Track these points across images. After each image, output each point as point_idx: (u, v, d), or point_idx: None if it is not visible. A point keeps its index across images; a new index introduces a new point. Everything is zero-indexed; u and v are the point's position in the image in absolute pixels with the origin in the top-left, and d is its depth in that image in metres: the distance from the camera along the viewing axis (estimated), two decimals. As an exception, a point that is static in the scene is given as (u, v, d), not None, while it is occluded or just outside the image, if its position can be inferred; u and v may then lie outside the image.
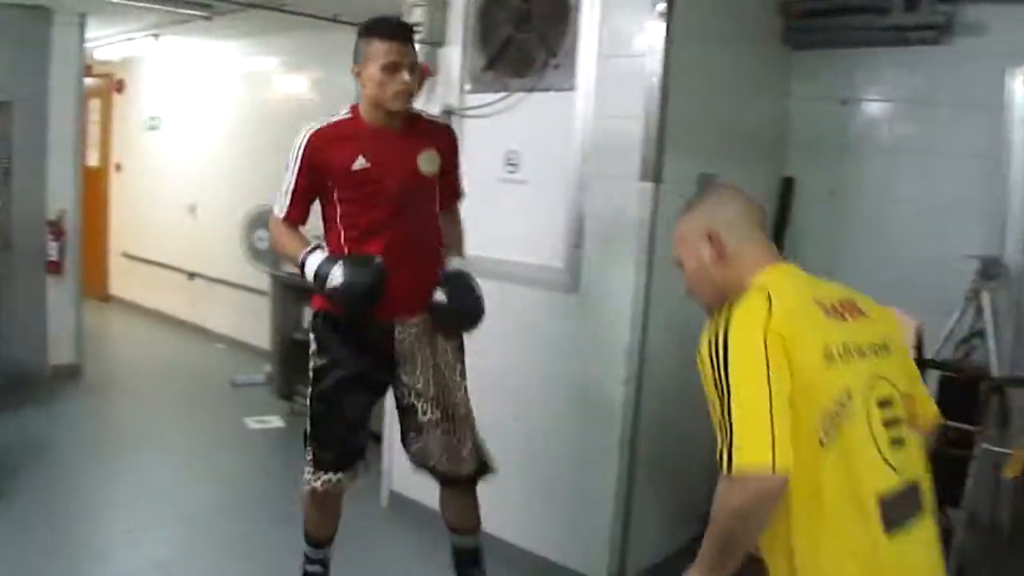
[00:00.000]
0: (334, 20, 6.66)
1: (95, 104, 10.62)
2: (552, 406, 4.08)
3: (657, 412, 3.88)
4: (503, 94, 4.15)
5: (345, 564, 3.76)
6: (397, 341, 3.28)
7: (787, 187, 4.47)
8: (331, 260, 3.11)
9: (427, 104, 4.47)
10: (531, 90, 4.05)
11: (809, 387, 1.87)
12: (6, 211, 6.62)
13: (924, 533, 1.97)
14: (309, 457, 3.34)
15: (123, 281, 10.66)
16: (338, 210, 3.22)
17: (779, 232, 4.43)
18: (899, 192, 4.36)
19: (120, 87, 10.66)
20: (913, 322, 3.50)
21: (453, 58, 4.39)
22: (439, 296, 3.22)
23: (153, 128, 10.00)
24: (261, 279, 6.83)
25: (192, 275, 9.00)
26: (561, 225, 3.92)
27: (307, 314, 6.36)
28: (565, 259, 3.93)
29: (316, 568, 3.57)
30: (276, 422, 6.07)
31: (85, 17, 7.12)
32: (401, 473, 4.77)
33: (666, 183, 3.63)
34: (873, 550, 1.86)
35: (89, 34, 7.40)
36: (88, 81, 8.27)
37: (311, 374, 3.33)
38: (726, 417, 1.88)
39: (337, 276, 3.05)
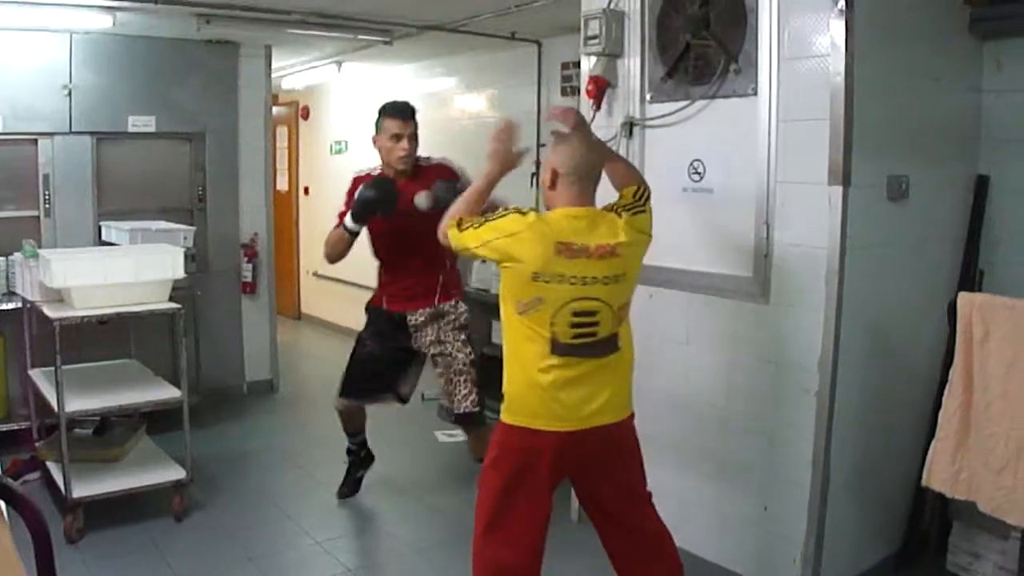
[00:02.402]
0: (511, 38, 6.75)
1: (282, 131, 11.04)
2: (741, 418, 4.00)
3: (851, 425, 3.76)
4: (685, 102, 4.11)
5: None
6: (411, 324, 4.86)
7: (981, 185, 4.28)
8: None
9: (608, 116, 4.48)
10: (713, 97, 4.00)
11: (515, 284, 3.13)
12: (203, 235, 6.93)
13: (599, 382, 3.18)
14: (339, 385, 5.08)
15: (313, 299, 10.99)
16: (371, 237, 4.85)
17: (975, 233, 4.26)
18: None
19: (306, 114, 11.01)
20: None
21: (632, 68, 4.37)
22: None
23: (339, 152, 10.29)
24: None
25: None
26: (749, 233, 3.85)
27: (495, 329, 6.47)
28: (754, 268, 3.85)
29: (352, 446, 5.34)
30: (465, 436, 6.15)
31: (270, 49, 7.42)
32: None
33: (855, 186, 3.52)
34: (546, 371, 3.11)
35: (275, 64, 7.74)
36: (275, 109, 8.58)
37: (357, 338, 5.11)
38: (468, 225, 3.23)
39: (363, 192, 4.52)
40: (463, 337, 4.89)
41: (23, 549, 1.57)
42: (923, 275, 4.10)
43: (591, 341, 3.13)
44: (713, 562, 4.16)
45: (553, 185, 3.26)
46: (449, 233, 3.27)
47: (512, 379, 3.22)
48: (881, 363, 3.91)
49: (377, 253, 4.94)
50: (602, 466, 3.28)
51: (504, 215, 3.15)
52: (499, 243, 3.11)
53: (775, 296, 3.79)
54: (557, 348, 3.09)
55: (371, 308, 5.08)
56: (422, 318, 4.85)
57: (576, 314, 3.08)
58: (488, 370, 6.43)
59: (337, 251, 4.67)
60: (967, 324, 3.44)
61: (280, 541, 4.71)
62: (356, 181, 4.79)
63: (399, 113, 4.71)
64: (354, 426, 5.26)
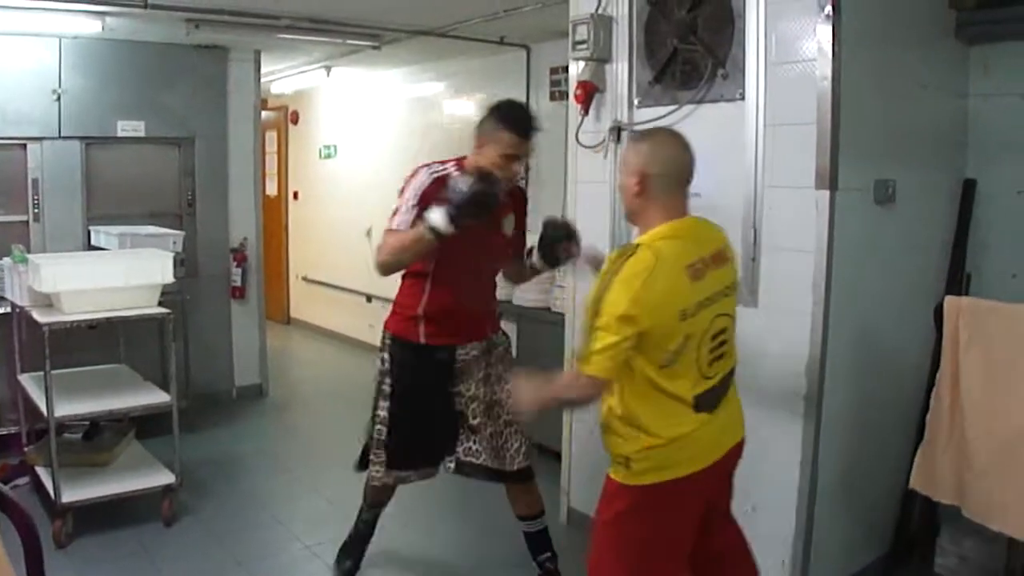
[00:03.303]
0: (500, 42, 6.76)
1: (272, 136, 11.03)
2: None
3: (839, 428, 3.78)
4: (672, 107, 4.12)
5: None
6: (459, 360, 3.90)
7: (968, 189, 4.30)
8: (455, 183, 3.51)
9: (596, 121, 4.49)
10: (700, 102, 4.01)
11: (661, 338, 2.67)
12: (192, 240, 6.92)
13: (727, 408, 2.96)
14: (382, 458, 3.94)
15: (303, 304, 10.99)
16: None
17: (962, 237, 4.28)
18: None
19: (295, 119, 11.01)
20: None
21: (620, 73, 4.39)
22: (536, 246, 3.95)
23: (328, 156, 10.30)
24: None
25: (369, 297, 9.20)
26: (736, 237, 3.84)
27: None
28: (742, 272, 3.84)
29: (369, 517, 4.32)
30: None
31: (259, 54, 7.42)
32: (579, 491, 4.80)
33: (843, 190, 3.54)
34: (690, 423, 2.79)
35: (264, 69, 7.74)
36: (264, 114, 8.57)
37: (388, 389, 3.93)
38: (588, 333, 2.68)
39: (464, 187, 3.46)
40: (511, 376, 3.85)
41: (13, 554, 1.57)
42: (911, 279, 4.13)
43: (728, 372, 2.96)
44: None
45: (642, 191, 2.84)
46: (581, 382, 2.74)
47: (646, 438, 2.77)
48: (869, 366, 3.93)
49: (426, 268, 3.78)
50: (727, 487, 3.18)
51: (616, 278, 2.65)
52: (645, 306, 2.63)
53: (763, 300, 3.80)
54: (703, 401, 2.83)
55: (400, 343, 3.94)
56: (474, 353, 3.93)
57: (714, 337, 2.84)
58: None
59: (407, 257, 3.66)
60: (953, 328, 3.47)
61: (270, 545, 4.71)
62: (438, 180, 3.69)
63: (524, 129, 3.72)
64: (385, 497, 4.27)
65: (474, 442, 3.96)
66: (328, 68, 8.66)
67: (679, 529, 2.90)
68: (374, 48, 7.01)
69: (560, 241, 3.87)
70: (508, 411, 3.90)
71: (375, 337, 9.50)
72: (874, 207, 3.81)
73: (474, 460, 3.96)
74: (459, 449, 3.97)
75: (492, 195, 3.49)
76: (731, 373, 2.99)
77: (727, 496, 3.19)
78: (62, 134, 6.41)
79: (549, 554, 4.18)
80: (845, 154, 3.53)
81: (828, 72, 3.48)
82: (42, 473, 4.95)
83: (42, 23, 5.89)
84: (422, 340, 3.87)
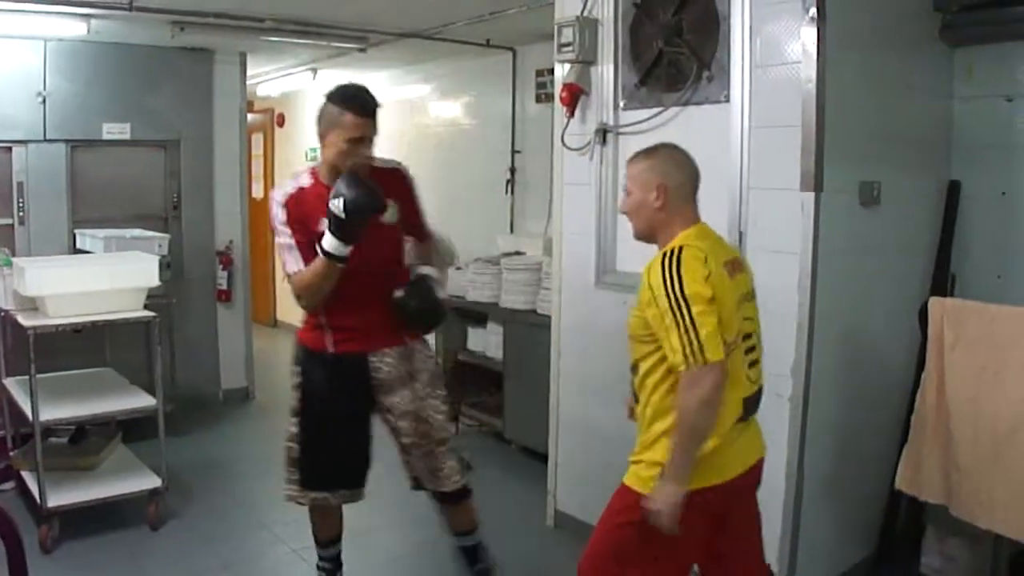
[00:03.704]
0: (486, 45, 6.77)
1: (258, 138, 11.01)
2: (716, 422, 4.00)
3: (825, 430, 3.79)
4: (658, 109, 4.13)
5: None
6: (373, 370, 3.63)
7: (953, 191, 4.32)
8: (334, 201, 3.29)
9: (582, 123, 4.50)
10: (685, 104, 4.02)
11: (724, 326, 2.63)
12: (178, 243, 6.90)
13: (755, 421, 2.97)
14: (296, 476, 3.70)
15: (289, 306, 10.91)
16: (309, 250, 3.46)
17: (947, 239, 4.30)
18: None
19: (281, 121, 10.99)
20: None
21: (605, 75, 4.40)
22: (398, 294, 3.58)
23: (314, 159, 10.16)
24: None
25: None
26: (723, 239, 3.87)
27: (471, 335, 6.45)
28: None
29: (326, 565, 4.02)
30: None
31: (245, 56, 7.41)
32: (566, 493, 4.80)
33: (828, 192, 3.55)
34: (727, 430, 2.73)
35: (250, 72, 7.74)
36: (250, 117, 8.55)
37: (297, 404, 3.69)
38: (688, 326, 2.57)
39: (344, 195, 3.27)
40: (442, 392, 3.79)
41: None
42: (896, 280, 4.14)
43: (762, 378, 2.96)
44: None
45: (664, 205, 2.82)
46: (702, 373, 2.57)
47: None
48: (855, 368, 3.94)
49: None
50: (745, 510, 3.05)
51: (682, 269, 2.63)
52: (717, 288, 2.64)
53: (749, 301, 3.80)
54: (749, 406, 2.85)
55: (309, 353, 3.68)
56: (389, 360, 3.64)
57: (745, 338, 2.81)
58: (460, 377, 6.48)
59: (323, 291, 3.43)
60: (938, 328, 3.49)
61: (256, 549, 4.71)
62: (293, 198, 3.52)
63: (363, 107, 3.51)
64: (330, 531, 3.99)
65: (407, 462, 3.79)
66: (314, 70, 8.64)
67: (690, 544, 2.80)
68: (360, 51, 7.01)
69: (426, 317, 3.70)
70: (437, 432, 3.70)
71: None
72: (859, 209, 3.82)
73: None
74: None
75: (365, 194, 3.29)
76: (761, 392, 2.95)
77: (747, 522, 3.05)
78: (47, 137, 6.39)
79: (485, 565, 3.98)
80: (830, 156, 3.55)
81: (813, 74, 3.49)
82: (28, 478, 4.92)
83: (27, 26, 5.87)
84: (330, 349, 3.61)
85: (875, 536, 4.29)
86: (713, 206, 3.84)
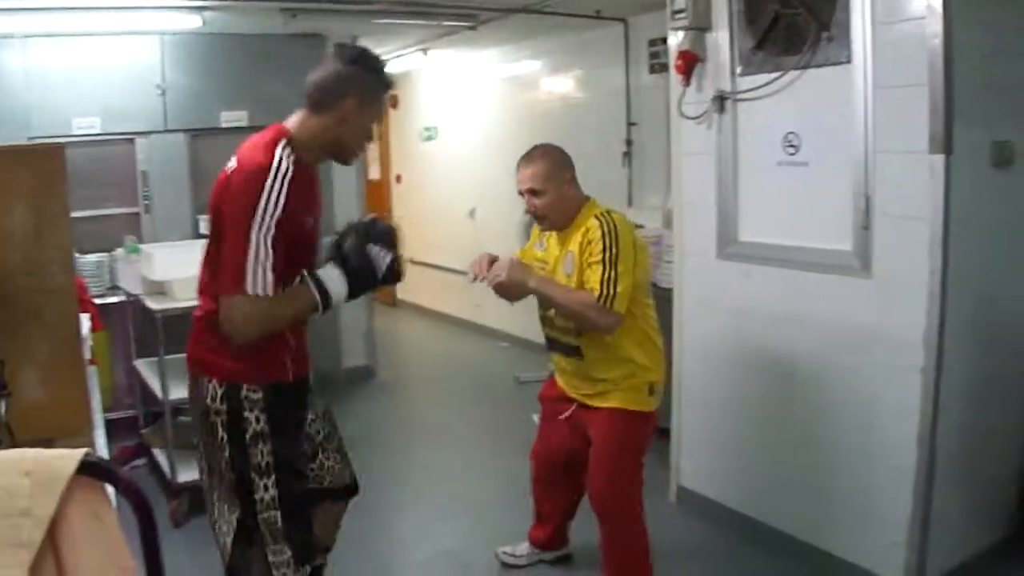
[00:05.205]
0: (597, 16, 6.68)
1: (373, 120, 11.06)
2: (841, 396, 3.89)
3: (957, 404, 3.63)
4: (776, 74, 4.00)
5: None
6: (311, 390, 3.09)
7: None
8: (338, 255, 2.88)
9: (698, 91, 4.41)
10: (805, 67, 3.88)
11: (644, 280, 3.61)
12: (298, 227, 6.95)
13: None
14: (286, 554, 2.85)
15: (409, 286, 11.03)
16: (281, 257, 2.66)
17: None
18: None
19: (395, 103, 11.05)
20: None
21: (720, 42, 4.28)
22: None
23: (429, 139, 10.33)
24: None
25: (475, 277, 9.20)
26: (847, 206, 3.73)
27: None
28: (853, 241, 3.73)
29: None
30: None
31: (356, 39, 7.40)
32: (688, 468, 4.73)
33: (958, 154, 3.38)
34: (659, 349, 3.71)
35: (360, 53, 7.70)
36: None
37: (268, 459, 2.80)
38: (611, 278, 3.37)
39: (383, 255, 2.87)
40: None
41: (129, 532, 1.58)
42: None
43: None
44: (808, 542, 4.08)
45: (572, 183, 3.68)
46: (608, 313, 3.42)
47: (656, 367, 3.66)
48: (989, 337, 3.77)
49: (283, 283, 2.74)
50: None
51: (613, 231, 3.44)
52: (638, 252, 3.54)
53: (876, 270, 3.66)
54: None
55: (275, 391, 2.81)
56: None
57: None
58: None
59: (286, 325, 2.82)
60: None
61: (381, 524, 4.74)
62: (295, 183, 2.70)
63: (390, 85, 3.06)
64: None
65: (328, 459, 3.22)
66: (425, 50, 8.66)
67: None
68: (470, 29, 6.99)
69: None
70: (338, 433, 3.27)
71: (481, 317, 9.51)
72: (992, 170, 3.64)
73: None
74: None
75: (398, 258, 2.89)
76: None
77: None
78: (168, 127, 6.54)
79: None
80: (959, 115, 3.37)
81: (939, 30, 3.32)
82: (158, 454, 5.12)
83: (144, 21, 6.01)
84: (290, 377, 2.90)
85: (1006, 518, 4.10)
86: (836, 171, 3.74)
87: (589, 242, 3.45)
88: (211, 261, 2.81)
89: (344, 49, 2.98)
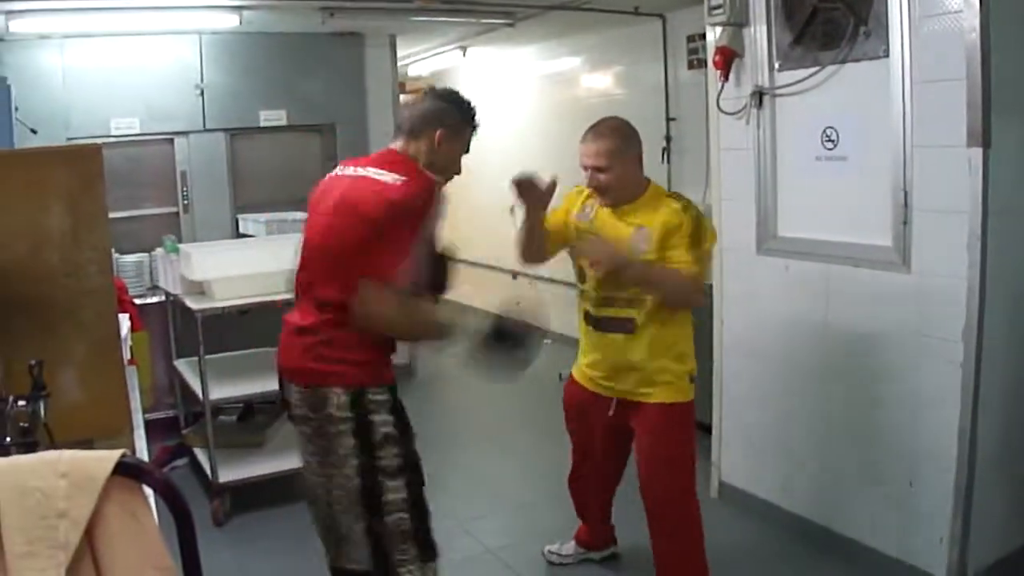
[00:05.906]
0: (635, 13, 6.67)
1: (412, 118, 11.09)
2: (882, 392, 3.89)
3: (997, 399, 3.61)
4: (814, 69, 4.01)
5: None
6: None
7: None
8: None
9: (736, 87, 4.41)
10: (843, 62, 3.88)
11: None
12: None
13: None
14: (413, 553, 2.97)
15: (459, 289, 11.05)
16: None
17: None
18: None
19: (434, 101, 11.08)
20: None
21: (758, 37, 4.28)
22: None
23: (470, 137, 10.32)
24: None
25: (515, 274, 9.21)
26: (886, 200, 3.73)
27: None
28: (893, 236, 3.73)
29: None
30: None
31: (395, 38, 7.47)
32: (730, 464, 4.73)
33: (996, 147, 3.36)
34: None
35: (400, 53, 7.79)
36: (403, 97, 8.64)
37: (399, 462, 2.98)
38: (700, 257, 3.47)
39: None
40: None
41: (168, 532, 1.61)
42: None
43: None
44: (852, 538, 4.08)
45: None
46: (701, 290, 3.61)
47: (693, 356, 3.72)
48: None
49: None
50: None
51: (699, 213, 3.56)
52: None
53: (915, 264, 3.66)
54: None
55: (389, 391, 2.99)
56: None
57: None
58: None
59: (405, 328, 3.05)
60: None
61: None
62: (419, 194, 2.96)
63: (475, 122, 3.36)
64: None
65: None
66: (464, 48, 8.69)
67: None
68: (509, 26, 7.01)
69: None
70: None
71: (522, 314, 9.44)
72: (1031, 164, 3.62)
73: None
74: None
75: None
76: None
77: None
78: (207, 127, 6.59)
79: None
80: (997, 109, 3.36)
81: (976, 23, 3.31)
82: (200, 454, 5.14)
83: (183, 21, 6.07)
84: (395, 380, 3.06)
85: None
86: (875, 166, 3.73)
87: (679, 224, 3.45)
88: (331, 268, 2.92)
89: (436, 89, 3.35)
